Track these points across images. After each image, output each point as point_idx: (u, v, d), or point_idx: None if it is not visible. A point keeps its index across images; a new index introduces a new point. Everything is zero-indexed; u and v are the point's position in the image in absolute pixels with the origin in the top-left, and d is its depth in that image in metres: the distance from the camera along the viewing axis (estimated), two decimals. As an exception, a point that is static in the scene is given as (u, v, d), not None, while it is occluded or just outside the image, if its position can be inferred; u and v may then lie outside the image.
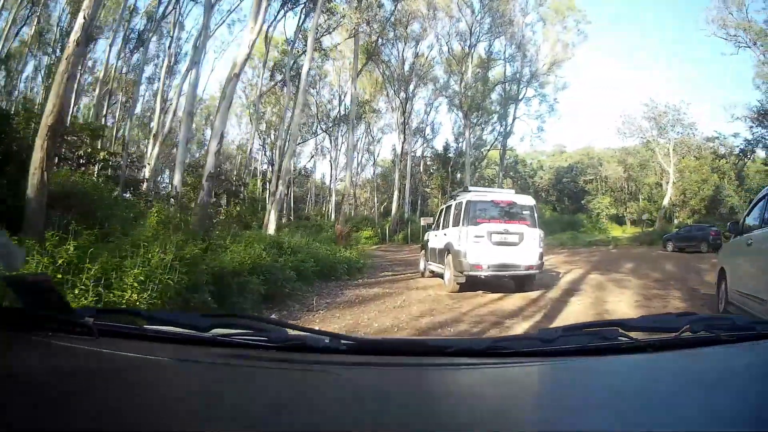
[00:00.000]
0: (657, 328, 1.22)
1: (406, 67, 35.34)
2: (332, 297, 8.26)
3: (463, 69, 33.57)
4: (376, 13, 23.82)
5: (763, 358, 1.12)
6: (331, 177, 42.51)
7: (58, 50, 23.08)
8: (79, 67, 23.01)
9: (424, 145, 42.66)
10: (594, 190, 45.04)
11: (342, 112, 35.93)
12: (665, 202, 34.94)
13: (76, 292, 4.17)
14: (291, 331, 1.17)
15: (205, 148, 22.92)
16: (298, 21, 23.52)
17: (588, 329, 1.20)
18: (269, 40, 26.79)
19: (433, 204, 38.74)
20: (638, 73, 76.57)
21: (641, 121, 35.03)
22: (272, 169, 32.57)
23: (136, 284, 4.86)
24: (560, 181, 48.84)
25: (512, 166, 47.84)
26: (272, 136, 36.97)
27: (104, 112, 26.53)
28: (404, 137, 36.38)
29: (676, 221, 33.69)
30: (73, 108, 24.79)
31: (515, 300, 8.03)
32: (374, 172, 47.17)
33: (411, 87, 36.16)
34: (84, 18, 6.45)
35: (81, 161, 12.24)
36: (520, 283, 9.06)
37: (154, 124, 21.99)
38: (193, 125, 30.78)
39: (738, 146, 32.18)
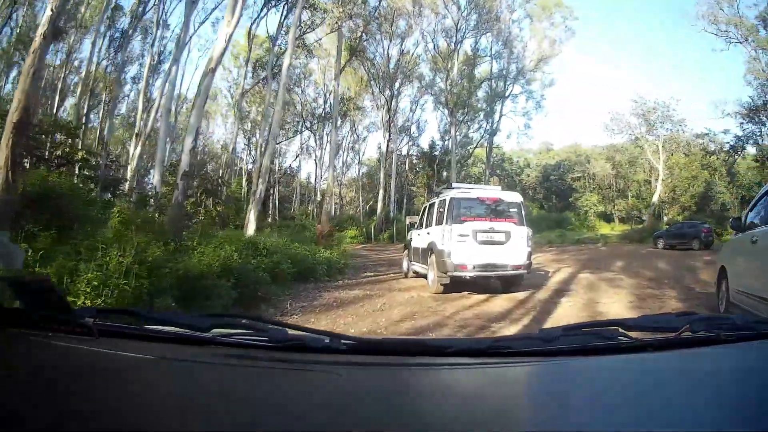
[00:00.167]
0: (657, 328, 1.22)
1: (392, 65, 34.98)
2: (309, 300, 7.91)
3: (449, 66, 33.19)
4: (360, 8, 23.29)
5: (764, 357, 1.11)
6: (316, 176, 42.10)
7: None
8: (51, 63, 22.70)
9: (410, 143, 42.30)
10: (582, 188, 44.90)
11: (327, 110, 35.55)
12: (655, 199, 34.84)
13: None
14: (291, 331, 1.17)
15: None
16: (281, 17, 23.05)
17: (588, 329, 1.20)
18: (252, 37, 26.36)
19: (419, 203, 38.35)
20: (627, 69, 75.92)
21: (630, 117, 34.83)
22: (256, 168, 32.06)
23: (88, 290, 4.66)
24: (547, 179, 48.72)
25: (499, 164, 47.87)
26: (257, 135, 36.49)
27: (85, 111, 25.94)
28: (390, 135, 35.99)
29: (665, 218, 33.68)
30: (57, 108, 24.40)
31: (502, 302, 7.69)
32: (359, 171, 46.84)
33: (396, 85, 35.87)
34: (52, 10, 6.25)
35: (59, 161, 12.11)
36: (507, 283, 8.73)
37: (137, 124, 21.72)
38: (178, 124, 30.30)
39: (728, 143, 32.02)
